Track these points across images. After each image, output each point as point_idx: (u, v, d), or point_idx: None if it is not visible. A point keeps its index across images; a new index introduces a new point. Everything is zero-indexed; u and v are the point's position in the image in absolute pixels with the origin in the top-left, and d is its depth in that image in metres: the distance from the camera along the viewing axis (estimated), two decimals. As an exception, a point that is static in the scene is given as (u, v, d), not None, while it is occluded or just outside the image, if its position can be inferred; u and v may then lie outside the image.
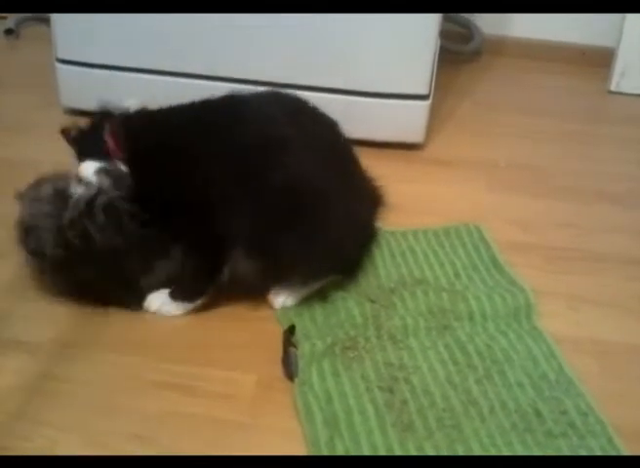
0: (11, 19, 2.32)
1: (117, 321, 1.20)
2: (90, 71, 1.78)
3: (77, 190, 1.18)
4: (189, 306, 1.21)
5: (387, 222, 1.46)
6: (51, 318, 1.19)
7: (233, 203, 1.14)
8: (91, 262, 1.16)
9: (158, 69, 1.76)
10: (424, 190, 1.65)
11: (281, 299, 1.22)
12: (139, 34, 1.72)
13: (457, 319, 1.23)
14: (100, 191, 1.16)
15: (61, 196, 1.20)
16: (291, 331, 1.17)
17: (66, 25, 1.73)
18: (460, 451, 1.00)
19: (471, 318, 1.23)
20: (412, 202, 1.59)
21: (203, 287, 1.19)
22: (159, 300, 1.20)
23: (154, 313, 1.21)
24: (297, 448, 1.00)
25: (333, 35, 1.67)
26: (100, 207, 1.15)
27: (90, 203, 1.16)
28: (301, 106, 1.28)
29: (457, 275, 1.35)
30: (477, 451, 1.00)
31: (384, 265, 1.36)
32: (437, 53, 1.77)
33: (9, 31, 2.30)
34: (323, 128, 1.27)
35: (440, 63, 1.90)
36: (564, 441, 1.02)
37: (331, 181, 1.18)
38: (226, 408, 1.06)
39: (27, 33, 2.28)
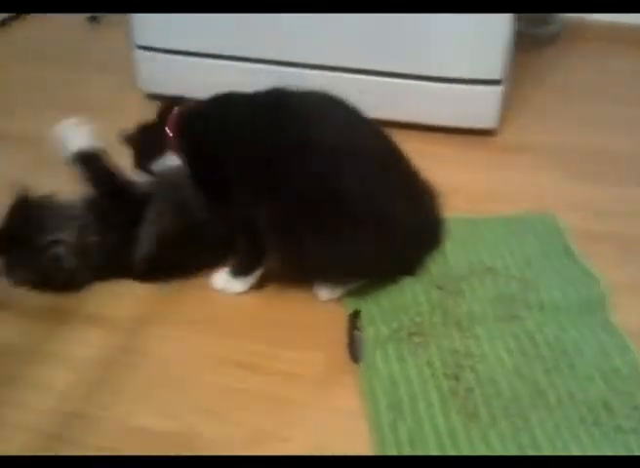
0: (95, 7, 2.40)
1: (191, 300, 1.24)
2: (167, 57, 1.83)
3: None
4: (249, 280, 1.25)
5: (458, 209, 1.45)
6: (132, 296, 1.24)
7: (270, 193, 1.16)
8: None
9: (233, 55, 1.79)
10: (497, 177, 1.63)
11: (324, 292, 1.24)
12: (215, 21, 1.75)
13: (526, 308, 1.22)
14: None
15: None
16: (355, 314, 1.18)
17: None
18: (525, 441, 0.99)
19: (542, 308, 1.22)
20: (483, 188, 1.58)
21: (256, 259, 1.23)
22: (222, 279, 1.25)
23: (221, 292, 1.25)
24: (360, 429, 1.02)
25: (403, 20, 1.65)
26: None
27: None
28: (348, 109, 1.24)
29: (528, 264, 1.33)
30: (542, 442, 0.99)
31: (453, 252, 1.35)
32: (512, 37, 1.73)
33: (92, 18, 2.38)
34: (368, 128, 1.25)
35: (517, 48, 1.87)
36: (634, 437, 1.00)
37: (370, 184, 1.17)
38: (293, 386, 1.08)
39: (109, 19, 2.35)
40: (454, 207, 1.45)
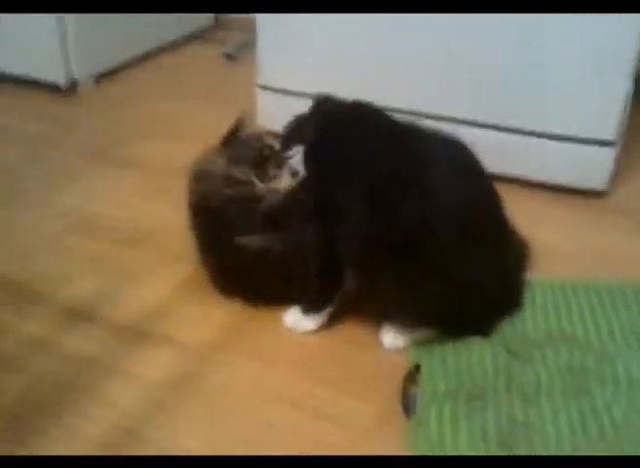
0: (231, 46, 2.56)
1: (262, 331, 1.28)
2: (284, 97, 1.91)
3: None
4: (320, 318, 1.27)
5: (547, 271, 1.41)
6: (207, 321, 1.31)
7: (359, 227, 1.16)
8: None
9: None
10: (599, 241, 1.56)
11: (390, 339, 1.23)
12: (335, 65, 1.82)
13: (599, 383, 1.15)
14: None
15: None
16: (416, 368, 1.17)
17: (269, 53, 1.88)
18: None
19: (615, 383, 1.15)
20: (581, 252, 1.52)
21: (328, 296, 1.25)
22: (293, 316, 1.28)
23: (292, 329, 1.28)
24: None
25: (519, 76, 1.64)
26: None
27: None
28: (468, 158, 1.23)
29: (612, 338, 1.26)
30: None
31: (534, 317, 1.30)
32: (630, 97, 1.66)
33: (229, 56, 2.53)
34: (475, 178, 1.23)
35: (636, 108, 1.79)
36: None
37: (462, 240, 1.16)
38: (339, 433, 1.09)
39: (246, 59, 2.49)
40: (545, 269, 1.42)
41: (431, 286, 1.15)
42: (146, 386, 1.17)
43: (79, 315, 1.32)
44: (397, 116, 1.72)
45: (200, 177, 1.34)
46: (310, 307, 1.27)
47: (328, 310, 1.27)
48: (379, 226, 1.16)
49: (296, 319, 1.28)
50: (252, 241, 1.27)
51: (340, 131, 1.26)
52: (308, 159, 1.26)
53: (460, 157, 1.22)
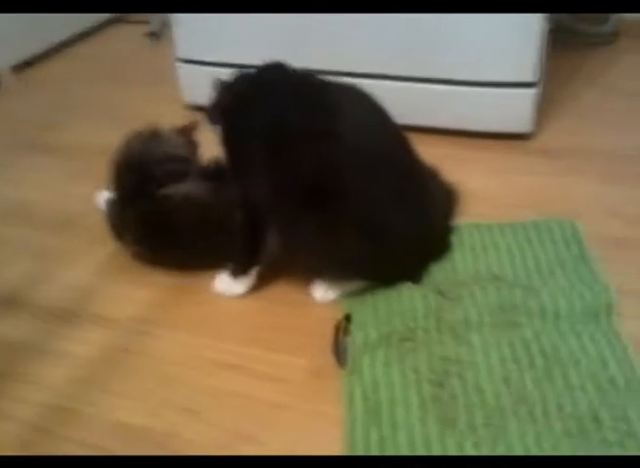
0: (154, 24, 2.52)
1: (189, 303, 1.28)
2: (206, 69, 1.88)
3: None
4: (248, 280, 1.26)
5: (477, 215, 1.42)
6: (135, 298, 1.29)
7: (281, 178, 1.16)
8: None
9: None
10: (525, 182, 1.58)
11: (320, 292, 1.24)
12: (251, 32, 1.80)
13: (527, 316, 1.17)
14: None
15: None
16: (346, 319, 1.18)
17: (185, 27, 1.85)
18: (501, 450, 0.96)
19: (543, 315, 1.17)
20: (508, 194, 1.54)
21: (254, 255, 1.25)
22: (222, 282, 1.27)
23: (222, 294, 1.28)
24: (335, 434, 1.01)
25: (432, 22, 1.64)
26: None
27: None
28: (374, 105, 1.23)
29: (539, 271, 1.28)
30: (519, 452, 0.95)
31: (463, 258, 1.32)
32: (546, 37, 1.68)
33: (152, 34, 2.49)
34: (389, 129, 1.24)
35: (571, 47, 1.80)
36: (618, 450, 0.94)
37: (380, 188, 1.17)
38: (275, 390, 1.09)
39: (169, 36, 2.45)
40: (473, 212, 1.43)
41: (348, 235, 1.15)
42: (78, 364, 1.15)
43: (5, 301, 1.30)
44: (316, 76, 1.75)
45: (133, 141, 1.37)
46: (238, 268, 1.26)
47: (255, 271, 1.27)
48: (283, 175, 1.15)
49: (225, 284, 1.28)
50: (177, 190, 1.29)
51: (251, 90, 1.26)
52: (224, 120, 1.25)
53: (366, 106, 1.22)
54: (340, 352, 1.13)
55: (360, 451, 0.98)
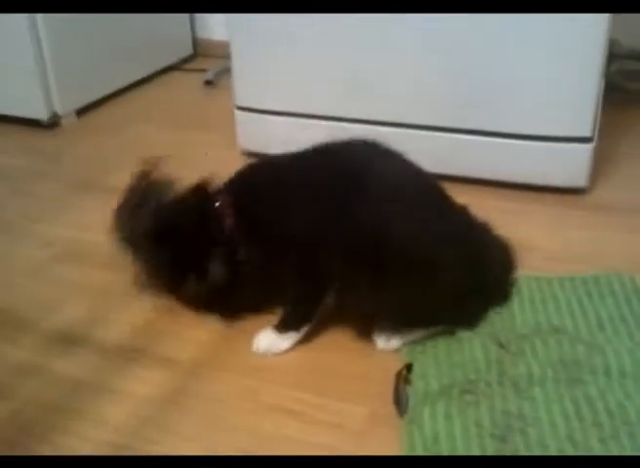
0: (210, 72, 2.59)
1: (246, 345, 1.27)
2: (263, 117, 1.93)
3: None
4: (295, 336, 1.24)
5: (533, 267, 1.41)
6: (189, 339, 1.30)
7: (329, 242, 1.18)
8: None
9: (326, 115, 1.86)
10: (581, 236, 1.57)
11: (382, 341, 1.23)
12: (310, 82, 1.84)
13: (591, 373, 1.15)
14: None
15: None
16: (408, 368, 1.17)
17: (245, 75, 1.91)
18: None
19: (607, 373, 1.15)
20: (565, 248, 1.53)
21: (307, 314, 1.23)
22: (266, 339, 1.25)
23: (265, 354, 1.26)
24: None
25: (489, 77, 1.67)
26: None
27: None
28: (395, 157, 1.26)
29: (600, 327, 1.26)
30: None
31: (522, 311, 1.31)
32: (601, 92, 1.69)
33: (208, 82, 2.56)
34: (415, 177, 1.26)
35: (612, 104, 1.81)
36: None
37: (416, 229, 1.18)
38: (333, 436, 1.08)
39: (225, 84, 2.52)
40: (530, 265, 1.42)
41: (401, 280, 1.16)
42: (138, 403, 1.16)
43: (68, 340, 1.31)
44: (367, 127, 1.77)
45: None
46: (288, 325, 1.24)
47: (307, 327, 1.25)
48: (349, 240, 1.16)
49: (269, 340, 1.25)
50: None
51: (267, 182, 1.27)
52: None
53: (387, 158, 1.25)
54: (400, 401, 1.12)
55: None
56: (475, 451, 1.03)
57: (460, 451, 1.03)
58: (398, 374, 1.16)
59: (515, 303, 1.32)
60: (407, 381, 1.16)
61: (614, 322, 1.27)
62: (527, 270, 1.41)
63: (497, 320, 1.28)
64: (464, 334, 1.24)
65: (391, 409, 1.12)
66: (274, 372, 1.22)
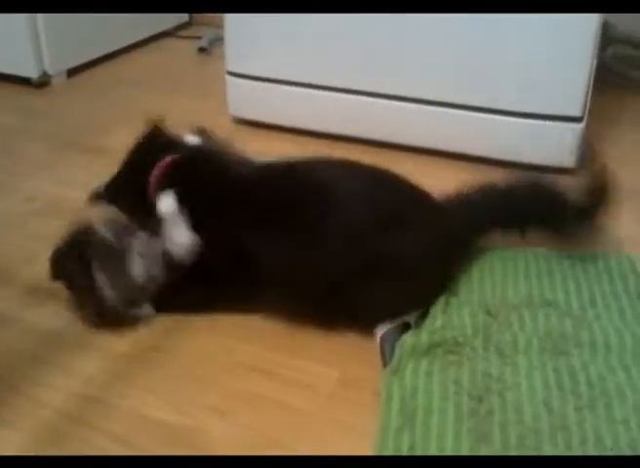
0: (204, 39, 2.56)
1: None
2: (255, 84, 1.90)
3: None
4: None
5: (533, 243, 1.39)
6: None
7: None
8: None
9: (320, 84, 1.84)
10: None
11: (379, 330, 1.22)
12: (303, 50, 1.82)
13: (576, 346, 1.14)
14: None
15: None
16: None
17: (237, 41, 1.87)
18: (533, 472, 0.92)
19: (593, 347, 1.14)
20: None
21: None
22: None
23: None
24: (358, 445, 1.00)
25: (479, 51, 1.65)
26: None
27: None
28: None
29: (592, 303, 1.25)
30: (552, 476, 0.92)
31: (516, 283, 1.30)
32: (593, 72, 1.68)
33: (202, 49, 2.53)
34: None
35: (615, 89, 1.80)
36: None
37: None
38: (303, 397, 1.09)
39: (219, 52, 2.48)
40: (527, 241, 1.40)
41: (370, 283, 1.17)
42: (112, 358, 1.16)
43: (43, 291, 1.30)
44: (359, 98, 1.74)
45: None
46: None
47: None
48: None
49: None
50: None
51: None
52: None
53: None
54: (385, 352, 1.14)
55: (389, 452, 0.97)
56: (450, 409, 1.03)
57: (436, 407, 1.04)
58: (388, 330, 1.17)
59: (509, 275, 1.32)
60: (397, 334, 1.16)
61: (606, 298, 1.26)
62: (525, 246, 1.39)
63: (488, 290, 1.28)
64: (454, 301, 1.24)
65: (363, 372, 1.13)
66: (251, 332, 1.22)
